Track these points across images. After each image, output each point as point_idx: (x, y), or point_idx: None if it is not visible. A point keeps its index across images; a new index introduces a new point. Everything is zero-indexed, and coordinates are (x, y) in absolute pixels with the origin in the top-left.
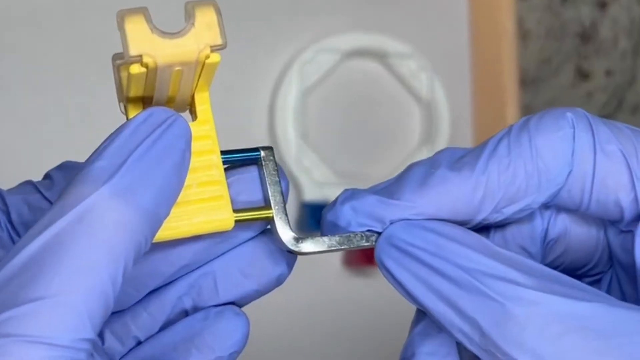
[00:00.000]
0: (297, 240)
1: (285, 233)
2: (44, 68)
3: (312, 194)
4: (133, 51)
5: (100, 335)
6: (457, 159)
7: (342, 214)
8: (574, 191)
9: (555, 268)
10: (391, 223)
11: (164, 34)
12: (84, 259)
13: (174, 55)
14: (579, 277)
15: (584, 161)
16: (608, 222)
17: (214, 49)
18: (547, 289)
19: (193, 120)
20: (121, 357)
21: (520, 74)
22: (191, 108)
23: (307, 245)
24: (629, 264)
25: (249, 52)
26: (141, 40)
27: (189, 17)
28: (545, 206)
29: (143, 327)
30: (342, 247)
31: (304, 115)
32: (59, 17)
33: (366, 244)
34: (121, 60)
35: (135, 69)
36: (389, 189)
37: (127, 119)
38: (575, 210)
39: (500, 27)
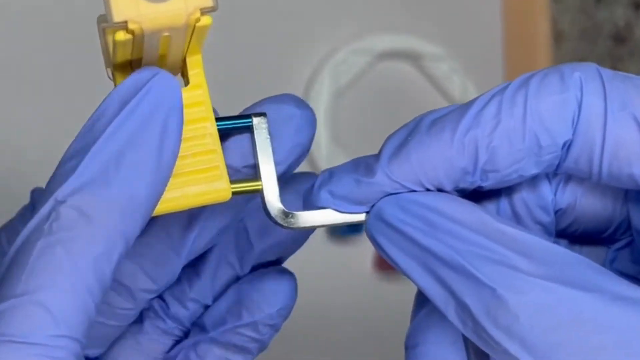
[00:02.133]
0: (286, 214)
1: (273, 206)
2: None
3: None
4: (117, 17)
5: (164, 301)
6: (438, 119)
7: (321, 200)
8: (581, 162)
9: (571, 234)
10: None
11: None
12: (45, 258)
13: (161, 20)
14: (605, 241)
15: (592, 129)
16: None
17: (204, 11)
18: (545, 275)
19: (185, 86)
20: (191, 323)
21: None
22: (183, 72)
23: (297, 220)
24: None
25: (281, 53)
26: (126, 5)
27: None
28: (554, 173)
29: (199, 291)
30: (335, 223)
31: (335, 116)
32: None
33: (358, 219)
34: (106, 24)
35: (121, 35)
36: (367, 163)
37: (114, 85)
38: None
39: (534, 29)
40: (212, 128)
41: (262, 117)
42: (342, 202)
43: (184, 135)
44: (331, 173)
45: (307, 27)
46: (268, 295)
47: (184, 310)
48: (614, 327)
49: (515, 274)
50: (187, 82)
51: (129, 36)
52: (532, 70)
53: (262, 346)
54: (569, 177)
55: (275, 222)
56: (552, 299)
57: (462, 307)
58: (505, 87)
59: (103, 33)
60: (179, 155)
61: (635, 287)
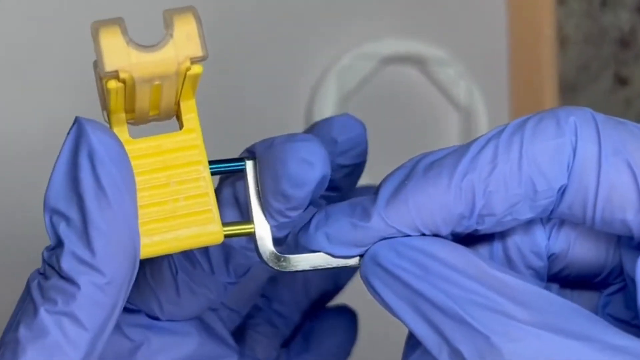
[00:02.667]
0: (279, 258)
1: (266, 249)
2: None
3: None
4: (108, 67)
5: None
6: (435, 162)
7: (316, 242)
8: (575, 207)
9: (563, 278)
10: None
11: (141, 47)
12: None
13: (151, 69)
14: (598, 285)
15: (586, 175)
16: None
17: (195, 60)
18: (538, 323)
19: (180, 129)
20: None
21: (559, 81)
22: (177, 115)
23: (289, 263)
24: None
25: (286, 58)
26: (117, 55)
27: (167, 26)
28: (548, 218)
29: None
30: (328, 267)
31: None
32: None
33: (352, 263)
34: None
35: (112, 84)
36: (364, 206)
37: (110, 127)
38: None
39: (539, 33)
40: (205, 171)
41: (253, 160)
42: (337, 246)
43: (177, 179)
44: (327, 214)
45: (313, 32)
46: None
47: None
48: None
49: (509, 322)
50: (181, 126)
51: (120, 84)
52: (538, 74)
53: None
54: (562, 222)
55: (267, 265)
56: (545, 347)
57: (456, 353)
58: (501, 131)
59: (98, 78)
60: (172, 198)
61: (625, 336)
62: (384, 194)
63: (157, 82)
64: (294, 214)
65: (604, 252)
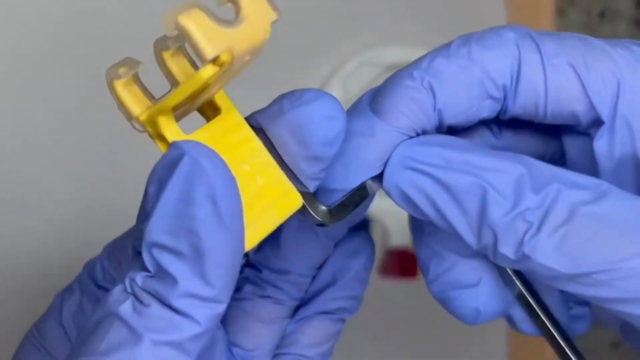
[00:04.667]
0: (331, 212)
1: (318, 212)
2: None
3: None
4: (210, 52)
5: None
6: (392, 76)
7: (351, 178)
8: (528, 108)
9: None
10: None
11: (228, 23)
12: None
13: (248, 42)
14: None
15: (533, 79)
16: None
17: (274, 22)
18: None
19: (215, 117)
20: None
21: None
22: (206, 104)
23: (340, 212)
24: (583, 165)
25: (291, 64)
26: (213, 38)
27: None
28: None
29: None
30: (366, 200)
31: None
32: None
33: (375, 186)
34: (117, 75)
35: (209, 70)
36: (362, 130)
37: (154, 134)
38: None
39: None
40: (258, 143)
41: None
42: (360, 173)
43: (245, 160)
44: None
45: (318, 38)
46: (352, 254)
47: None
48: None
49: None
50: (217, 112)
51: (216, 69)
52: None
53: (356, 305)
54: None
55: (323, 225)
56: (573, 200)
57: (493, 236)
58: (448, 45)
59: (124, 85)
60: (251, 180)
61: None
62: (367, 101)
63: (247, 58)
64: (324, 173)
65: (542, 144)
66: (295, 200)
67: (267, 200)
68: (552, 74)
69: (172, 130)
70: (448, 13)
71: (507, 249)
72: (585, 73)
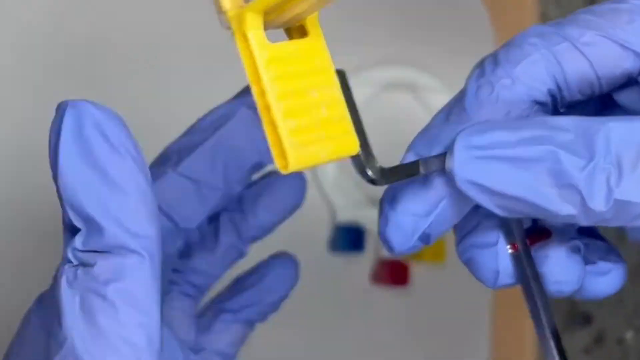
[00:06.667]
0: (383, 171)
1: (372, 167)
2: None
3: (346, 216)
4: None
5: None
6: (445, 107)
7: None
8: (584, 90)
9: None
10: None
11: None
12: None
13: None
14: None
15: (576, 62)
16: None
17: None
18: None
19: (303, 36)
20: None
21: None
22: (295, 28)
23: (391, 176)
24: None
25: None
26: None
27: None
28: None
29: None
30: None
31: None
32: None
33: (439, 165)
34: None
35: None
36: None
37: (239, 32)
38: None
39: None
40: (334, 78)
41: (340, 74)
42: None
43: (317, 86)
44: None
45: None
46: (277, 281)
47: (199, 279)
48: None
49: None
50: (305, 33)
51: None
52: None
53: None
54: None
55: (375, 183)
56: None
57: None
58: (482, 66)
59: None
60: (316, 106)
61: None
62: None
63: None
64: None
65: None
66: (352, 145)
67: (326, 132)
68: (589, 50)
69: (256, 30)
70: (437, 37)
71: (596, 202)
72: (614, 33)
